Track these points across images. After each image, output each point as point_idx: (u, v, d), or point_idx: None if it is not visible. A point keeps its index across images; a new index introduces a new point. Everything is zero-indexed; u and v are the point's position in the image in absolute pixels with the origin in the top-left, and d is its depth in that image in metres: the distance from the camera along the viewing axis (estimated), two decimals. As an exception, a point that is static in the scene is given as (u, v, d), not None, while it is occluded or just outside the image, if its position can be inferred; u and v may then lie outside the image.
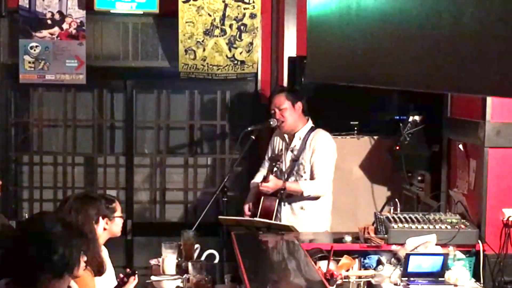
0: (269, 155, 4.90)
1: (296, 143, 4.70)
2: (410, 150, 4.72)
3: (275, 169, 4.62)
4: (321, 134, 4.69)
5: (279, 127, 4.74)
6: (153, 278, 3.92)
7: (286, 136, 4.77)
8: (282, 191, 4.57)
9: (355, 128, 5.25)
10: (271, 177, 4.54)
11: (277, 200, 4.60)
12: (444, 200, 4.37)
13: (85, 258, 2.99)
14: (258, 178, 4.90)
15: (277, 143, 4.87)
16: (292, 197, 4.62)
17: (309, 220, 4.60)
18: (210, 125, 6.27)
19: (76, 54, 5.86)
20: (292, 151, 4.70)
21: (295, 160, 4.65)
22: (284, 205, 4.65)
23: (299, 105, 4.71)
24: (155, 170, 6.25)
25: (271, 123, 4.88)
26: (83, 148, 6.21)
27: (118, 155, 6.21)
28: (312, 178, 4.59)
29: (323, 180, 4.57)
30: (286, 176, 4.68)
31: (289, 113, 4.69)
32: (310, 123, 4.74)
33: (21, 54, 5.81)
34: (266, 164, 4.91)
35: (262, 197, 4.62)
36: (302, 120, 4.74)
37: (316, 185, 4.56)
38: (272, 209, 4.58)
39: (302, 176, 4.61)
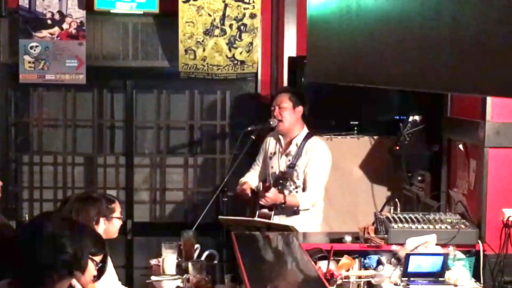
0: (260, 157, 4.91)
1: (292, 148, 4.69)
2: (410, 150, 4.72)
3: (279, 187, 4.53)
4: (318, 144, 4.68)
5: (276, 125, 4.73)
6: (153, 278, 3.92)
7: (281, 139, 4.75)
8: (283, 205, 4.54)
9: (355, 128, 5.24)
10: (273, 189, 4.50)
11: (273, 213, 4.58)
12: (444, 200, 4.37)
13: (98, 259, 3.02)
14: (249, 178, 4.89)
15: (270, 145, 4.84)
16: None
17: (301, 220, 4.59)
18: (210, 125, 6.27)
19: (76, 54, 5.86)
20: (287, 155, 4.69)
21: (291, 167, 4.64)
22: (277, 208, 4.62)
23: (300, 109, 4.69)
24: (155, 170, 6.25)
25: (271, 123, 4.87)
26: (83, 148, 6.21)
27: (118, 155, 6.21)
28: (304, 187, 4.60)
29: (316, 192, 4.60)
30: (280, 181, 4.66)
31: (288, 113, 4.67)
32: (305, 130, 4.73)
33: (21, 54, 5.81)
34: (257, 165, 4.90)
35: (258, 206, 4.59)
36: (300, 124, 4.72)
37: (310, 197, 4.58)
38: (268, 218, 4.56)
39: (295, 182, 4.60)
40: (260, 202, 4.51)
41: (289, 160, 4.66)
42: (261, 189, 4.58)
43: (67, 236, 2.45)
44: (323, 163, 4.61)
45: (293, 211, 4.59)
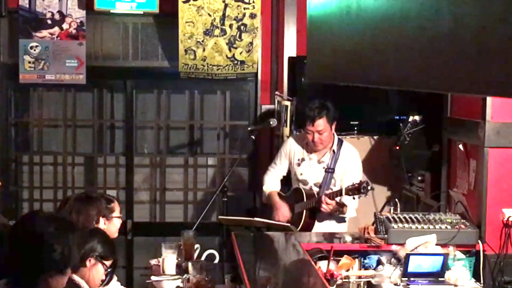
0: (282, 159, 4.80)
1: (326, 156, 4.63)
2: (410, 150, 4.72)
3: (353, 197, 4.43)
4: (353, 152, 4.65)
5: (314, 146, 4.61)
6: (153, 278, 3.92)
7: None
8: (341, 210, 4.48)
9: (355, 128, 5.24)
10: (333, 202, 4.41)
11: (316, 221, 4.56)
12: (444, 200, 4.36)
13: (108, 263, 3.03)
14: (271, 183, 4.83)
15: (296, 151, 4.72)
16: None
17: (329, 223, 4.60)
18: (210, 125, 6.27)
19: (76, 54, 5.86)
20: (320, 162, 4.64)
21: (330, 172, 4.59)
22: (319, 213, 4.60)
23: (334, 123, 4.61)
24: (155, 170, 6.25)
25: (271, 123, 4.86)
26: (83, 148, 6.22)
27: (118, 155, 6.21)
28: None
29: (357, 199, 4.56)
30: (318, 187, 4.62)
31: (327, 134, 4.57)
32: (337, 136, 4.67)
33: (21, 54, 5.81)
34: (279, 168, 4.84)
35: (305, 211, 4.54)
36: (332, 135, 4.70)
37: (355, 205, 4.55)
38: (312, 226, 4.55)
39: (332, 189, 4.57)
40: (322, 209, 4.40)
41: (323, 168, 4.62)
42: (321, 196, 4.49)
43: (52, 233, 2.43)
44: (360, 171, 4.61)
45: (329, 215, 4.56)
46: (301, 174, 4.68)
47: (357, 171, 4.57)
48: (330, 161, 4.60)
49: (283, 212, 4.64)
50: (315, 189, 4.58)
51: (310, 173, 4.65)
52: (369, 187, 4.22)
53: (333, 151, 4.62)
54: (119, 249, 5.85)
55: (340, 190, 4.35)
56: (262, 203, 4.98)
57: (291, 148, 4.77)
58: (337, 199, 4.40)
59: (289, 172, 4.81)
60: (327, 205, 4.36)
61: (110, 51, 6.11)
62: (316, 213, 4.53)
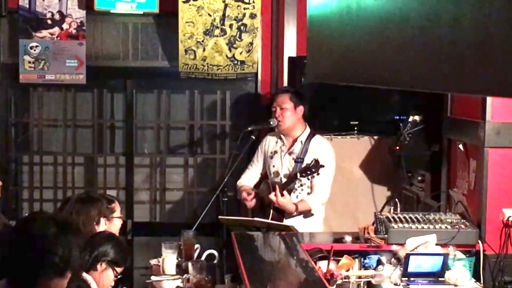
0: (258, 156, 4.90)
1: (296, 147, 4.69)
2: (410, 150, 4.72)
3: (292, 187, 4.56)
4: (323, 143, 4.68)
5: (277, 125, 4.74)
6: (153, 278, 3.92)
7: (284, 139, 4.75)
8: (294, 213, 4.54)
9: (355, 128, 5.24)
10: (286, 196, 4.47)
11: (284, 218, 4.58)
12: (444, 200, 4.36)
13: (119, 270, 3.04)
14: (246, 179, 4.90)
15: (270, 144, 4.82)
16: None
17: (301, 219, 4.61)
18: (210, 125, 6.27)
19: (76, 54, 5.86)
20: (290, 154, 4.69)
21: (299, 161, 4.62)
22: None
23: (300, 108, 4.70)
24: (155, 170, 6.25)
25: (271, 123, 4.86)
26: (83, 148, 6.22)
27: (118, 155, 6.21)
28: (311, 185, 4.59)
29: (325, 192, 4.60)
30: (285, 179, 4.65)
31: (290, 114, 4.68)
32: (308, 128, 4.74)
33: (21, 54, 5.81)
34: (255, 165, 4.90)
35: (272, 208, 4.58)
36: (302, 124, 4.73)
37: (320, 199, 4.58)
38: (281, 220, 4.56)
39: (300, 180, 4.59)
40: (271, 197, 4.47)
41: (293, 158, 4.66)
42: (271, 190, 4.55)
43: (52, 236, 2.43)
44: (330, 162, 4.60)
45: (302, 214, 4.59)
46: (273, 166, 4.76)
47: (327, 160, 4.54)
48: (299, 151, 4.65)
49: (244, 194, 4.79)
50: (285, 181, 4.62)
51: (281, 164, 4.70)
52: (319, 164, 4.36)
53: (302, 141, 4.66)
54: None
55: (295, 174, 4.48)
56: (237, 199, 5.06)
57: (266, 142, 4.89)
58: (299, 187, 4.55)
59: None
60: (275, 197, 4.43)
61: (110, 51, 6.11)
62: (282, 214, 4.57)
